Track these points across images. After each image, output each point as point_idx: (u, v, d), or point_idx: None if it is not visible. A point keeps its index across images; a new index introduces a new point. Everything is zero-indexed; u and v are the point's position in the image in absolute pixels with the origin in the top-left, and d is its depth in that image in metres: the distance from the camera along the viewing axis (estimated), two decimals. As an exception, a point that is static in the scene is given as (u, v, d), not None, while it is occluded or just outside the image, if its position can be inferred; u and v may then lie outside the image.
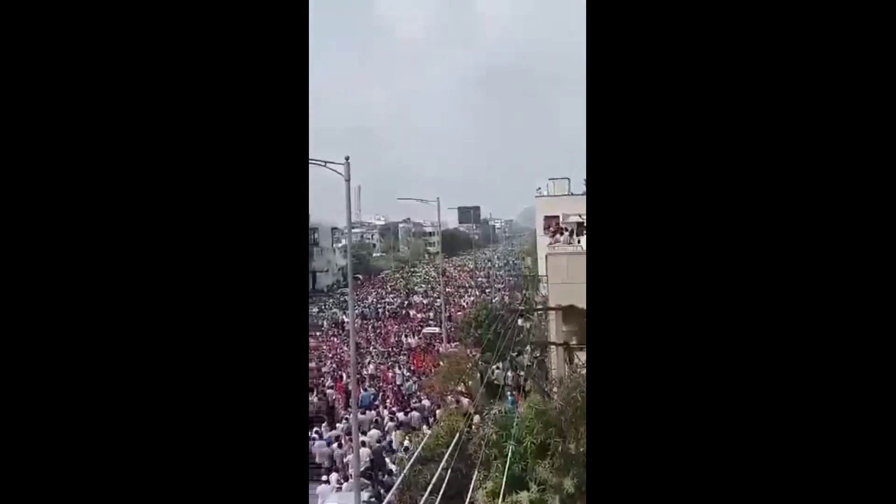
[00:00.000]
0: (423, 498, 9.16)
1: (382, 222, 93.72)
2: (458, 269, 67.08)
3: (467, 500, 8.92)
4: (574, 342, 11.53)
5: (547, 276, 15.60)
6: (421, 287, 54.83)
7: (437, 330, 30.35)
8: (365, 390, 19.58)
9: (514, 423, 9.33)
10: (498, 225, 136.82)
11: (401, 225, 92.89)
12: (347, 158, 11.11)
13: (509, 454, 8.72)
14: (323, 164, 10.93)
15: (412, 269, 69.95)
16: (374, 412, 17.65)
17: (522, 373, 18.06)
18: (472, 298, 41.74)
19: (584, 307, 2.58)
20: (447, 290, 39.64)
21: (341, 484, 12.40)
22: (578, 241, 15.71)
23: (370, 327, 35.91)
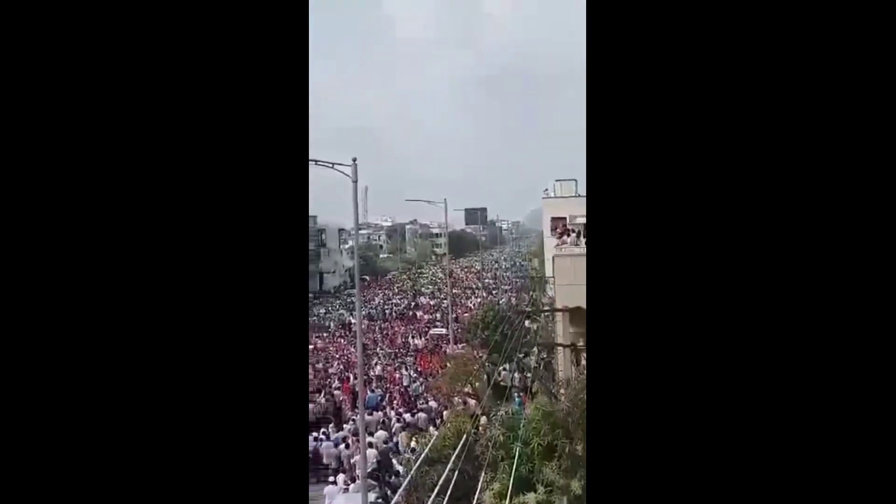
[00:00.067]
0: (431, 499, 9.15)
1: (389, 223, 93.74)
2: (465, 270, 67.02)
3: (474, 501, 8.92)
4: (581, 344, 11.51)
5: (554, 277, 15.59)
6: (428, 288, 54.84)
7: (444, 331, 30.35)
8: (372, 391, 19.60)
9: (521, 425, 9.33)
10: (505, 226, 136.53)
11: (408, 226, 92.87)
12: (354, 160, 11.11)
13: (516, 456, 8.72)
14: (330, 165, 10.95)
15: (419, 271, 69.95)
16: (381, 413, 17.67)
17: (529, 374, 18.02)
18: (479, 300, 41.70)
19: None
20: (454, 291, 39.63)
21: (348, 485, 12.41)
22: (586, 243, 15.69)
23: (377, 328, 35.95)
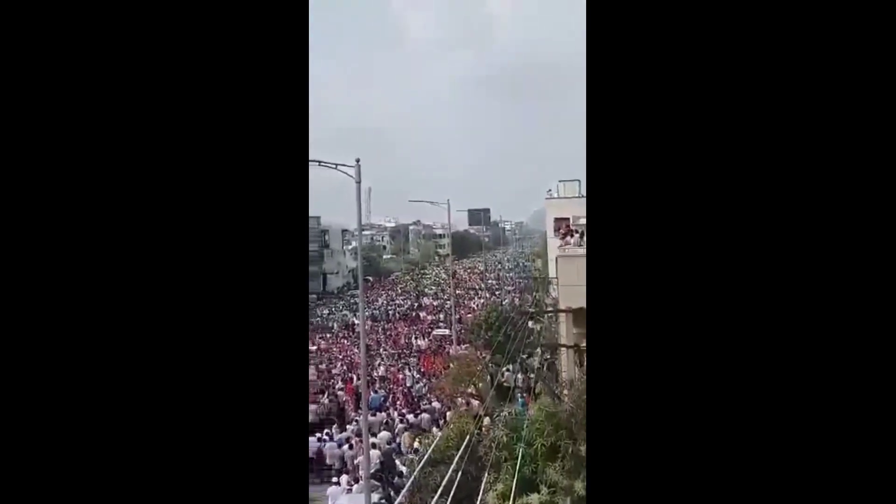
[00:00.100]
0: (434, 500, 9.15)
1: (393, 224, 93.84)
2: (469, 271, 67.01)
3: (478, 502, 8.91)
4: (584, 344, 11.50)
5: (557, 278, 15.58)
6: (431, 289, 54.87)
7: (447, 332, 30.34)
8: (375, 392, 19.61)
9: (525, 426, 9.33)
10: (508, 227, 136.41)
11: (411, 227, 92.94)
12: (358, 161, 11.10)
13: (519, 457, 8.72)
14: (333, 166, 10.96)
15: (422, 272, 70.02)
16: (384, 414, 17.67)
17: (533, 375, 18.02)
18: (482, 301, 41.70)
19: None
20: (457, 292, 39.62)
21: (352, 485, 12.42)
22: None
23: (380, 329, 35.98)
